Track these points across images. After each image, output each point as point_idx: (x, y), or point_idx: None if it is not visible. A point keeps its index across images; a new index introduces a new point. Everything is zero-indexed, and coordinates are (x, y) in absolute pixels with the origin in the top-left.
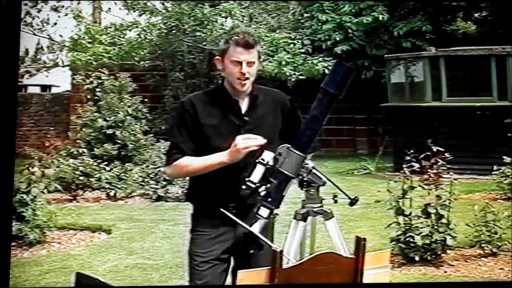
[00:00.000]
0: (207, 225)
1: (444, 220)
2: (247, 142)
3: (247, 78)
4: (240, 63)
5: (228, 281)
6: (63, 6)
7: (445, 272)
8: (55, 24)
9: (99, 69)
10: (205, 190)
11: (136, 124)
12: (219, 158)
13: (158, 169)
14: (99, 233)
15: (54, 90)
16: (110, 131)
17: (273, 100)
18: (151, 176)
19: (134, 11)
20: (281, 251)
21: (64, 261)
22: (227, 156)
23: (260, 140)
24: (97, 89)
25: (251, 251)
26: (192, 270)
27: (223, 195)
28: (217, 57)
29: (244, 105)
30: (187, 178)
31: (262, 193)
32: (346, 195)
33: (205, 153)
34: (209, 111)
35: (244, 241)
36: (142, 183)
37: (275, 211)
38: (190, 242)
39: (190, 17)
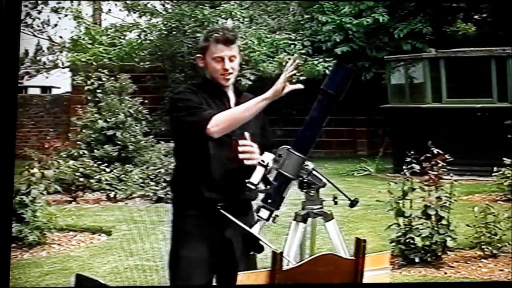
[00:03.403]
0: (193, 225)
1: (444, 222)
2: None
3: (231, 73)
4: (223, 59)
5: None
6: (63, 7)
7: (445, 273)
8: (56, 25)
9: (99, 70)
10: (192, 182)
11: (136, 126)
12: (262, 96)
13: (158, 171)
14: (99, 235)
15: (54, 91)
16: (110, 133)
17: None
18: (151, 177)
19: (134, 12)
20: (281, 253)
21: (64, 263)
22: (271, 92)
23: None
24: (98, 90)
25: (251, 253)
26: (175, 272)
27: (213, 192)
28: (198, 55)
29: (231, 97)
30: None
31: (262, 195)
32: (346, 196)
33: (197, 140)
34: (202, 99)
35: (243, 243)
36: (142, 185)
37: (275, 212)
38: (173, 242)
39: (190, 18)
